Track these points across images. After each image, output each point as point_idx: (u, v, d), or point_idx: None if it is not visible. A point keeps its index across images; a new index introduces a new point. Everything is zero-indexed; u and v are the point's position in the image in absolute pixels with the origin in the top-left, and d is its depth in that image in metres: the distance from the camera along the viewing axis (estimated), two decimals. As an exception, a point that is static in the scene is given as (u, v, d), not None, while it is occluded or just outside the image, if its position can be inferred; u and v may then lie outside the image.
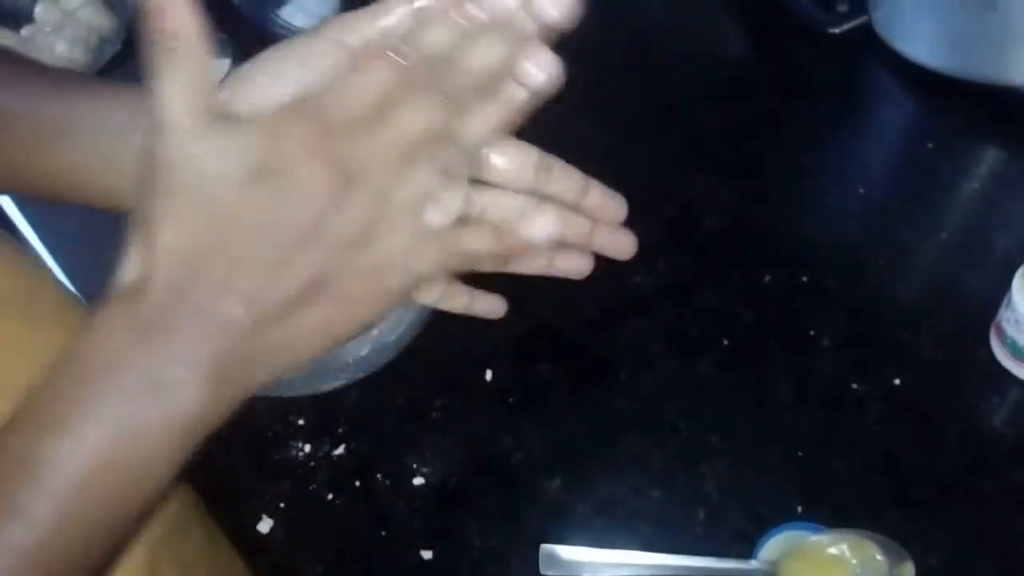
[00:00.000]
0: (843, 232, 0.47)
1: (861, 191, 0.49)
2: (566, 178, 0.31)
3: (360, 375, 0.44)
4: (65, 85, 0.36)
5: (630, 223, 0.50)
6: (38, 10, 0.72)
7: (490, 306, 0.35)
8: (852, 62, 0.55)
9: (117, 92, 0.34)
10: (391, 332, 0.42)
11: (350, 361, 0.41)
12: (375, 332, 0.40)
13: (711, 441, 0.42)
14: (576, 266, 0.33)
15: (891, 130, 0.52)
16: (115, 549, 0.26)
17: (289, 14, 0.65)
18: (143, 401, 0.25)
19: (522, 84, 0.28)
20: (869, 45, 0.54)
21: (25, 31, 0.71)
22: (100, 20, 0.67)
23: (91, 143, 0.33)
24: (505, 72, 0.27)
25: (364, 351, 0.41)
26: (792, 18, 0.57)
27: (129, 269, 0.26)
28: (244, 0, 0.64)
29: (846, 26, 0.55)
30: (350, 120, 0.26)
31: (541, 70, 0.28)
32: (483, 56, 0.27)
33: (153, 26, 0.25)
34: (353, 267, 0.26)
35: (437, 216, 0.27)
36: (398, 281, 0.28)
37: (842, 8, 0.55)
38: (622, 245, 0.33)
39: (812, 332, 0.44)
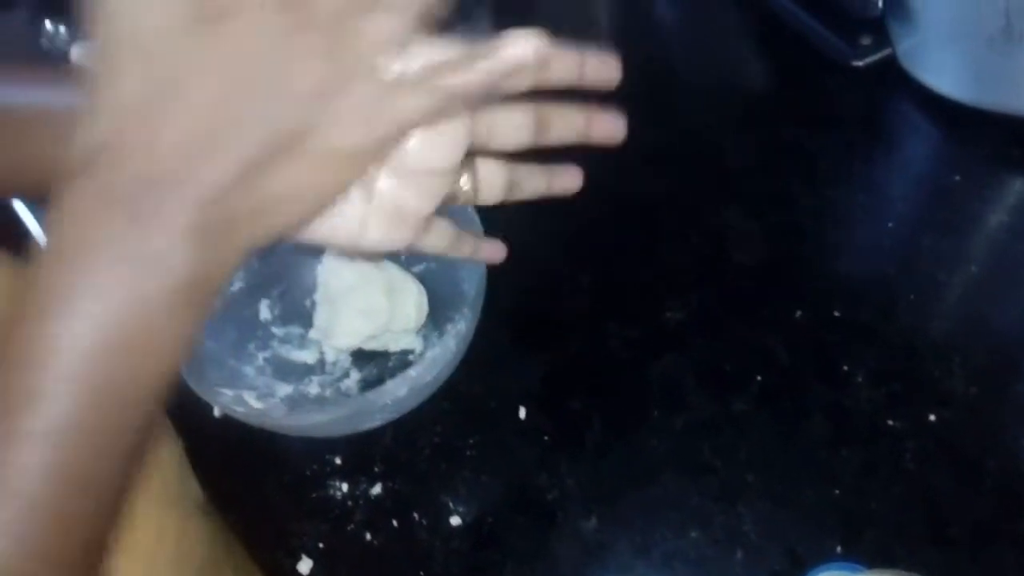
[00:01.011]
0: (873, 266, 0.48)
1: (890, 225, 0.49)
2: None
3: (397, 415, 0.44)
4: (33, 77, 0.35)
5: (661, 255, 0.51)
6: (74, 52, 0.73)
7: (493, 251, 0.37)
8: (877, 94, 0.55)
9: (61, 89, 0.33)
10: (428, 372, 0.42)
11: (388, 402, 0.41)
12: (413, 373, 0.41)
13: (748, 480, 0.42)
14: (571, 181, 0.36)
15: (918, 163, 0.53)
16: (129, 454, 0.26)
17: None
18: (134, 274, 0.24)
19: None
20: (894, 77, 0.55)
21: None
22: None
23: (44, 137, 0.32)
24: None
25: (402, 392, 0.41)
26: (816, 51, 0.58)
27: (86, 139, 0.24)
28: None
29: (870, 59, 0.56)
30: None
31: None
32: None
33: None
34: (325, 117, 0.25)
35: (404, 63, 0.26)
36: (374, 135, 0.26)
37: (865, 41, 0.56)
38: (613, 127, 0.35)
39: (846, 368, 0.44)
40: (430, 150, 0.28)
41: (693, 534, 0.41)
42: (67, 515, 0.24)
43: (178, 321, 0.25)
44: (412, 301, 0.47)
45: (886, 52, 0.55)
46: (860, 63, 0.56)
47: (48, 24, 0.75)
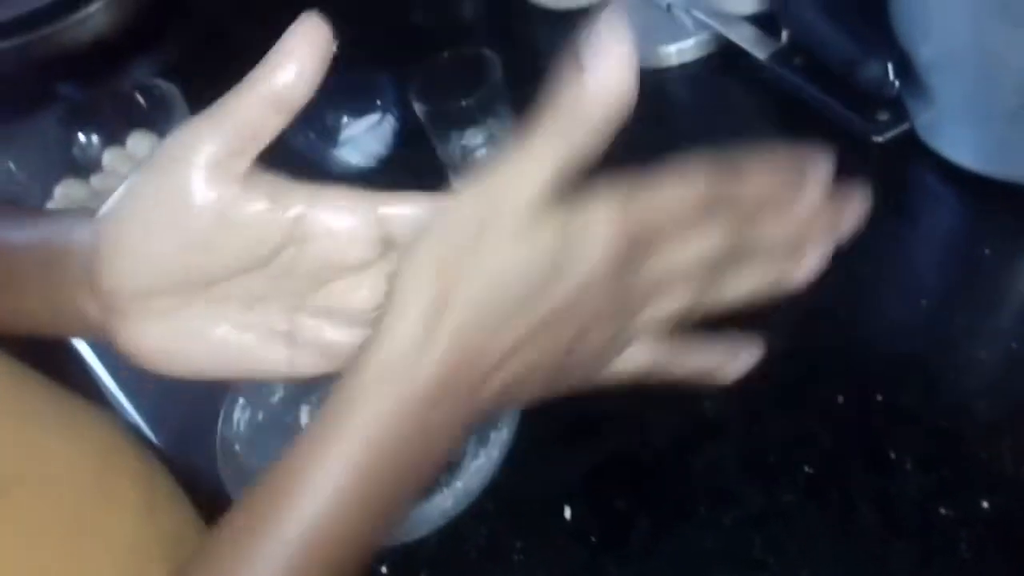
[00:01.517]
0: (910, 347, 0.47)
1: (923, 303, 0.49)
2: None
3: (442, 523, 0.44)
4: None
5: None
6: (106, 158, 0.75)
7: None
8: (899, 169, 0.56)
9: (51, 223, 0.33)
10: (474, 482, 0.42)
11: (435, 515, 0.42)
12: (459, 484, 0.41)
13: (802, 575, 0.41)
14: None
15: (946, 237, 0.53)
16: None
17: (346, 153, 0.67)
18: (409, 472, 0.28)
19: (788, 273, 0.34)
20: (914, 151, 0.55)
21: (95, 180, 0.74)
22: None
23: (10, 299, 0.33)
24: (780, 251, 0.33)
25: (447, 504, 0.41)
26: (834, 128, 0.59)
27: (407, 338, 0.27)
28: (301, 140, 0.67)
29: (889, 134, 0.56)
30: (658, 236, 0.29)
31: (805, 272, 0.35)
32: (779, 226, 0.32)
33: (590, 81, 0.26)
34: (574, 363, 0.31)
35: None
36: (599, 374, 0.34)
37: (883, 117, 0.57)
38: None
39: (892, 454, 0.44)
40: (353, 293, 0.31)
41: (750, 636, 0.40)
42: None
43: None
44: None
45: (905, 127, 0.56)
46: (879, 138, 0.56)
47: (81, 136, 0.78)
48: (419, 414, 0.27)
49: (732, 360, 0.35)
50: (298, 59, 0.27)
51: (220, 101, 0.28)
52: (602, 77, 0.26)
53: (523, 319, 0.27)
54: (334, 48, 0.28)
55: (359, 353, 0.28)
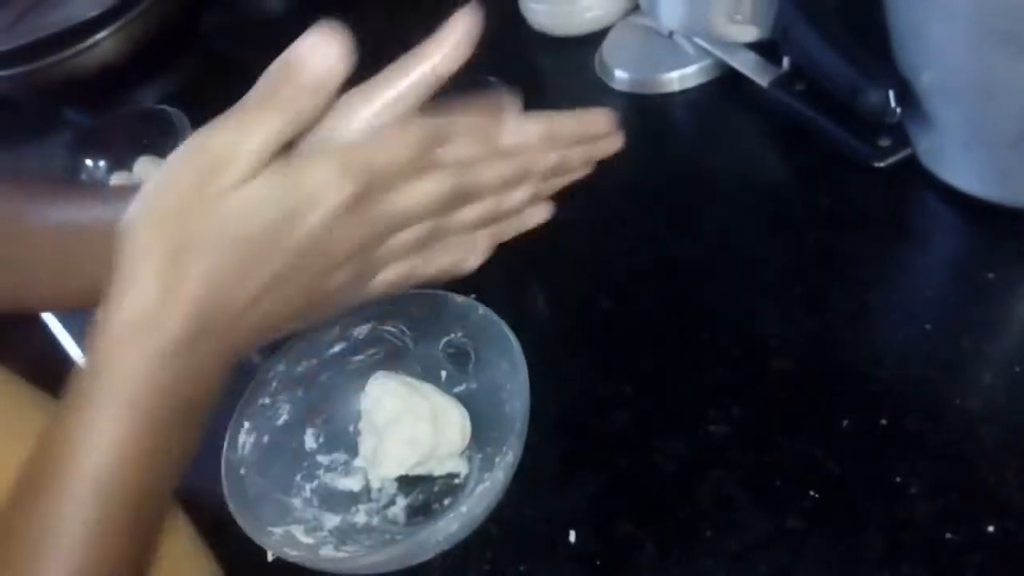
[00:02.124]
0: (915, 371, 0.47)
1: (928, 327, 0.49)
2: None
3: (447, 547, 0.44)
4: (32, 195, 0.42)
5: (697, 365, 0.51)
6: (112, 183, 0.76)
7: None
8: (902, 194, 0.56)
9: (79, 194, 0.42)
10: (479, 506, 0.42)
11: (440, 539, 0.41)
12: (464, 509, 0.41)
13: (809, 601, 0.41)
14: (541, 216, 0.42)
15: (949, 262, 0.53)
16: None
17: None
18: (175, 411, 0.32)
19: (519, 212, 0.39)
20: (917, 177, 0.56)
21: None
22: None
23: (58, 274, 0.41)
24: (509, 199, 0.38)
25: (453, 528, 0.41)
26: (835, 153, 0.59)
27: (141, 297, 0.30)
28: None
29: (891, 160, 0.57)
30: (386, 180, 0.32)
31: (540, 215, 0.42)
32: (500, 175, 0.36)
33: (294, 62, 0.31)
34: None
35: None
36: (362, 293, 0.37)
37: (885, 142, 0.57)
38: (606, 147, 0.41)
39: (898, 479, 0.43)
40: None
41: (758, 663, 0.40)
42: None
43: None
44: (456, 426, 0.48)
45: (907, 153, 0.57)
46: (881, 164, 0.57)
47: (88, 161, 0.78)
48: (176, 360, 0.30)
49: (471, 253, 0.39)
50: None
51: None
52: (303, 48, 0.30)
53: (269, 257, 0.30)
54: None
55: (98, 322, 0.31)
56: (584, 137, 0.39)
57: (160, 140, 0.79)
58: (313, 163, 0.31)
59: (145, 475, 0.31)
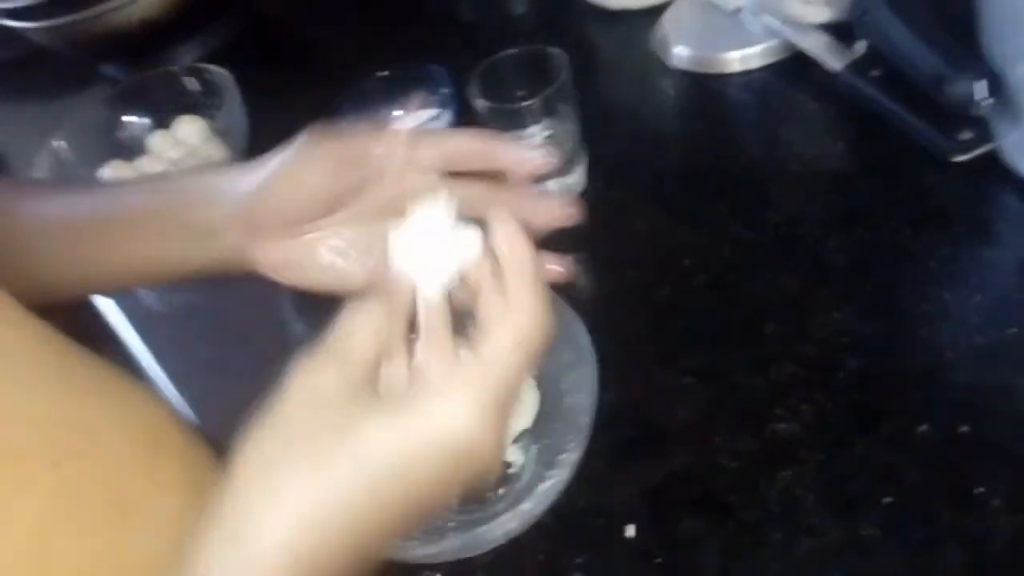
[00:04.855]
0: (998, 377, 0.45)
1: (1012, 331, 0.47)
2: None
3: (505, 541, 0.43)
4: (119, 193, 0.47)
5: (765, 360, 0.49)
6: (152, 142, 0.74)
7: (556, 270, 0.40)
8: (982, 190, 0.54)
9: (159, 195, 0.44)
10: (542, 502, 0.41)
11: (499, 534, 0.40)
12: (527, 506, 0.39)
13: (881, 613, 0.39)
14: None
15: (1031, 262, 0.51)
16: None
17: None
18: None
19: None
20: (998, 173, 0.53)
21: (141, 163, 0.73)
22: (218, 154, 0.69)
23: (145, 240, 0.43)
24: None
25: (514, 524, 0.40)
26: (911, 143, 0.57)
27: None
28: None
29: (971, 154, 0.54)
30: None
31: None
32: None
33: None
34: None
35: None
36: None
37: (966, 136, 0.54)
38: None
39: (980, 490, 0.42)
40: None
41: (827, 675, 0.38)
42: None
43: None
44: (528, 403, 0.46)
45: (989, 147, 0.54)
46: (961, 158, 0.54)
47: (127, 118, 0.76)
48: None
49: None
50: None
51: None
52: None
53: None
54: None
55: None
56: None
57: (202, 99, 0.77)
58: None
59: None
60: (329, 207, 0.39)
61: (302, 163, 0.39)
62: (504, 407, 0.31)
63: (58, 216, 0.46)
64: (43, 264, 0.44)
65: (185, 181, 0.45)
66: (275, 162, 0.39)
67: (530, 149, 0.39)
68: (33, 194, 0.48)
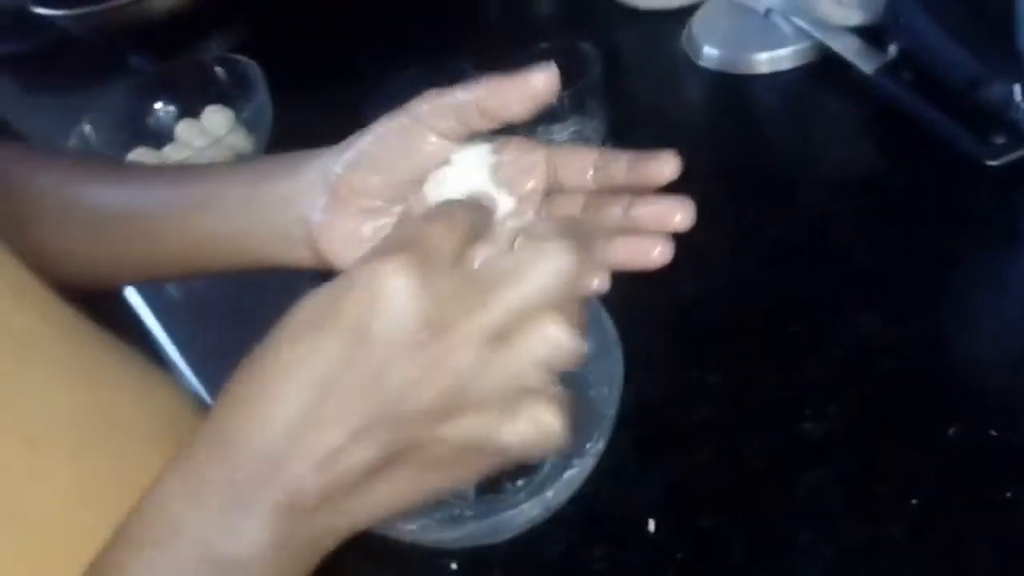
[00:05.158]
0: (1027, 382, 0.45)
1: (1043, 337, 0.46)
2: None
3: (525, 529, 0.42)
4: (186, 172, 0.43)
5: (793, 359, 0.48)
6: (180, 130, 0.74)
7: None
8: (1014, 196, 0.53)
9: (234, 170, 0.42)
10: (565, 491, 0.40)
11: (521, 522, 0.40)
12: (549, 494, 0.39)
13: (907, 617, 0.39)
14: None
15: (1065, 269, 0.50)
16: None
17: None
18: (218, 535, 0.27)
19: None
20: (1031, 178, 0.53)
21: (167, 150, 0.73)
22: (243, 145, 0.69)
23: (217, 214, 0.39)
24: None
25: (536, 512, 0.39)
26: (943, 146, 0.56)
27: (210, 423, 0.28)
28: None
29: (1005, 159, 0.54)
30: (453, 278, 0.27)
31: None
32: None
33: None
34: (443, 435, 0.27)
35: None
36: (494, 455, 0.28)
37: (999, 140, 0.54)
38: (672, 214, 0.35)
39: (1008, 494, 0.41)
40: None
41: (851, 676, 0.38)
42: None
43: None
44: None
45: (1021, 152, 0.53)
46: (994, 163, 0.54)
47: (156, 104, 0.77)
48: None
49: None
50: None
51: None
52: None
53: (327, 393, 0.26)
54: None
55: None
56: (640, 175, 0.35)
57: (231, 90, 0.77)
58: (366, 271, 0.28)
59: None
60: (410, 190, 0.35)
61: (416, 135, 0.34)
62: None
63: (120, 204, 0.43)
64: (90, 251, 0.43)
65: (260, 160, 0.44)
66: (380, 128, 0.35)
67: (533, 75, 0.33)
68: (90, 177, 0.45)
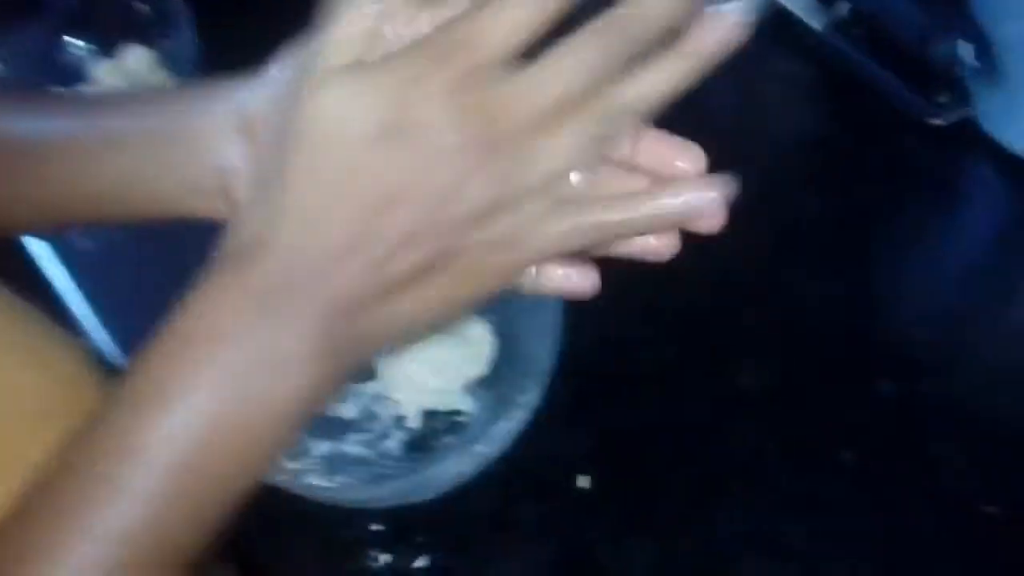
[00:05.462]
0: (961, 338, 0.45)
1: (976, 294, 0.46)
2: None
3: (454, 485, 0.40)
4: (97, 105, 0.37)
5: (735, 315, 0.48)
6: (98, 70, 0.70)
7: (583, 282, 0.31)
8: (956, 155, 0.53)
9: (148, 103, 0.36)
10: (495, 444, 0.38)
11: (449, 477, 0.38)
12: (479, 448, 0.37)
13: (838, 570, 0.38)
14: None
15: (1002, 229, 0.50)
16: (211, 533, 0.25)
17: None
18: (254, 375, 0.24)
19: (694, 51, 0.25)
20: (973, 138, 0.52)
21: (85, 91, 0.68)
22: (166, 84, 0.65)
23: (130, 154, 0.34)
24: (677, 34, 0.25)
25: (465, 466, 0.37)
26: (887, 106, 0.56)
27: (241, 234, 0.25)
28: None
29: (948, 118, 0.53)
30: (494, 63, 0.23)
31: (722, 35, 0.26)
32: (661, 9, 0.24)
33: None
34: (480, 239, 0.25)
35: (577, 188, 0.25)
36: (524, 255, 0.26)
37: (943, 99, 0.54)
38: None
39: (938, 447, 0.41)
40: None
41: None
42: None
43: (280, 430, 0.25)
44: (484, 354, 0.44)
45: (965, 111, 0.53)
46: (938, 121, 0.53)
47: (70, 39, 0.72)
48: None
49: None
50: None
51: None
52: None
53: (361, 188, 0.24)
54: None
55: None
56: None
57: (154, 29, 0.72)
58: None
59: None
60: None
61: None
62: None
63: (21, 135, 0.36)
64: None
65: (177, 92, 0.38)
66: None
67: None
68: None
